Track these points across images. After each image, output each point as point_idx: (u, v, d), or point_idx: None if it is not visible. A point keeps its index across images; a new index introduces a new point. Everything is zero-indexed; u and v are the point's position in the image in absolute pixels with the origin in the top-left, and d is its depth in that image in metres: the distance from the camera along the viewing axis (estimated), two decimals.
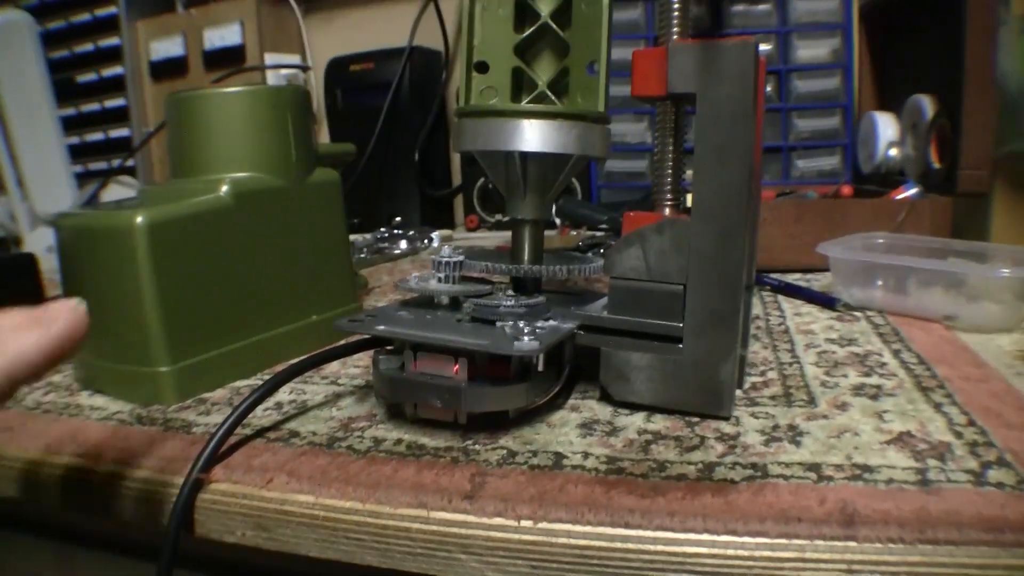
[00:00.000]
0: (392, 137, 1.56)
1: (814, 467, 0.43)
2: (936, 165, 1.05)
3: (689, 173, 0.49)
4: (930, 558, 0.36)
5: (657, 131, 0.54)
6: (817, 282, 0.90)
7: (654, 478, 0.43)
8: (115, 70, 1.84)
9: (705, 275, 0.49)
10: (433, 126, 1.60)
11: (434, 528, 0.42)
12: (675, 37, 0.51)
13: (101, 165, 1.85)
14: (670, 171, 0.53)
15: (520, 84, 0.60)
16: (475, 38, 0.59)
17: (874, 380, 0.57)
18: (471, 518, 0.41)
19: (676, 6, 0.51)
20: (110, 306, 0.60)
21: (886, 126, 1.21)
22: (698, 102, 0.47)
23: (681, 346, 0.50)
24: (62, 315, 0.39)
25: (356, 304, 0.77)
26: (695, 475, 0.43)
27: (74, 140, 1.87)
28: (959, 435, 0.46)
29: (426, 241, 1.33)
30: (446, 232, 1.46)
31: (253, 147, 0.66)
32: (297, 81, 1.76)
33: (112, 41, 1.83)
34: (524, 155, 0.55)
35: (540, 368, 0.50)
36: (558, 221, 1.28)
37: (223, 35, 1.74)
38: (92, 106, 1.88)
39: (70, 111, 1.87)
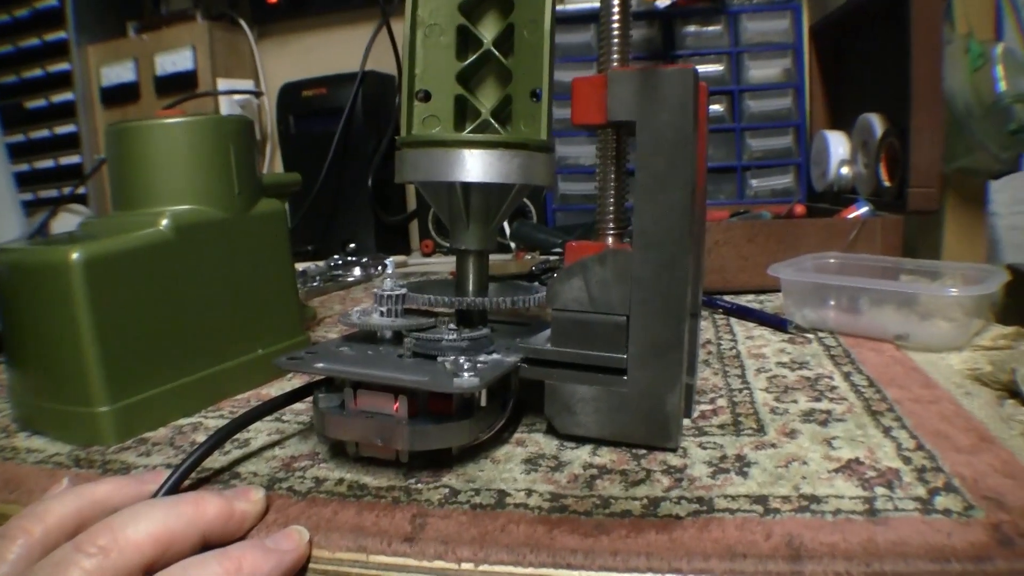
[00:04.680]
0: (346, 163, 1.55)
1: (760, 499, 0.43)
2: (886, 183, 1.06)
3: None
4: None
5: (599, 159, 0.53)
6: (771, 303, 0.90)
7: (598, 515, 0.42)
8: (65, 96, 1.82)
9: (648, 305, 0.48)
10: (387, 151, 1.59)
11: (373, 572, 0.40)
12: (615, 64, 0.50)
13: (52, 193, 1.83)
14: (612, 199, 0.52)
15: (464, 112, 0.59)
16: (416, 67, 0.58)
17: (824, 405, 0.57)
18: (411, 561, 0.40)
19: (616, 33, 0.51)
20: (47, 344, 0.58)
21: (838, 144, 1.22)
22: (638, 130, 0.47)
23: (626, 377, 0.49)
24: (291, 543, 0.41)
25: (304, 336, 0.76)
26: (640, 511, 0.42)
27: (23, 167, 1.84)
28: (908, 460, 0.46)
29: (380, 268, 1.32)
30: (400, 258, 1.45)
31: (194, 179, 0.65)
32: (250, 106, 1.75)
33: (62, 66, 1.81)
34: (466, 185, 0.55)
35: (483, 403, 0.49)
36: (513, 245, 1.28)
37: (175, 60, 1.73)
38: (42, 132, 1.86)
39: (19, 138, 1.86)
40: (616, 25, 0.51)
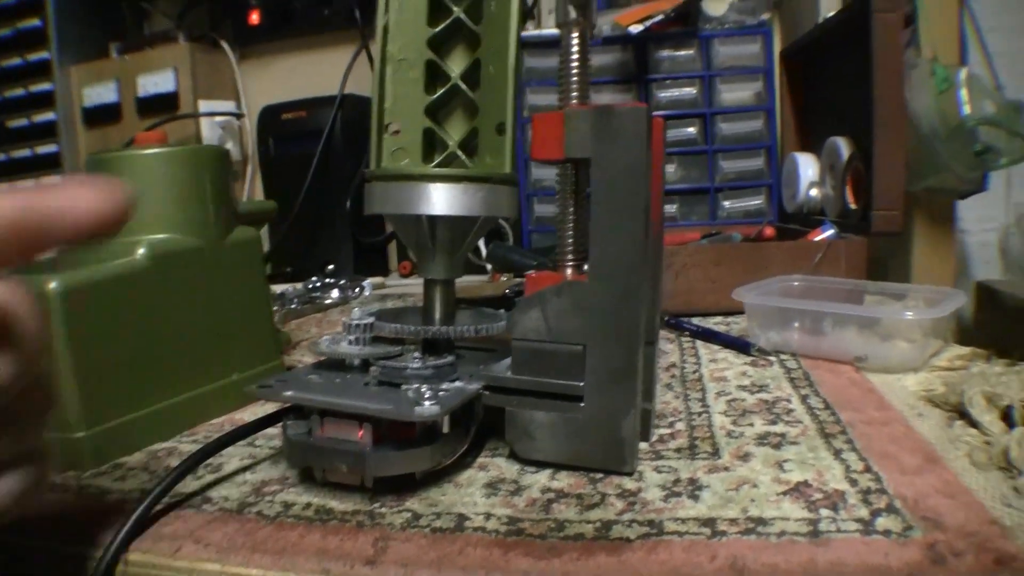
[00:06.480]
0: (324, 185, 1.57)
1: (709, 522, 0.44)
2: (852, 205, 1.08)
3: None
4: None
5: (558, 193, 0.55)
6: (737, 325, 0.92)
7: (552, 538, 0.44)
8: (47, 116, 1.83)
9: (604, 335, 0.50)
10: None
11: None
12: (574, 101, 0.52)
13: None
14: (571, 232, 0.54)
15: (432, 144, 0.61)
16: (386, 100, 0.60)
17: (779, 428, 0.58)
18: None
19: (575, 71, 0.53)
20: None
21: (807, 167, 1.25)
22: (592, 166, 0.49)
23: (583, 404, 0.51)
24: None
25: (278, 361, 0.77)
26: (592, 534, 0.44)
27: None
28: (854, 483, 0.48)
29: (358, 289, 1.33)
30: (379, 279, 1.46)
31: (171, 208, 0.66)
32: (231, 128, 1.76)
33: (44, 86, 1.82)
34: (432, 218, 0.56)
35: (446, 430, 0.51)
36: (489, 267, 1.29)
37: (157, 81, 1.74)
38: (23, 152, 1.87)
39: (0, 157, 1.85)
40: (575, 63, 0.53)
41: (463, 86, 0.59)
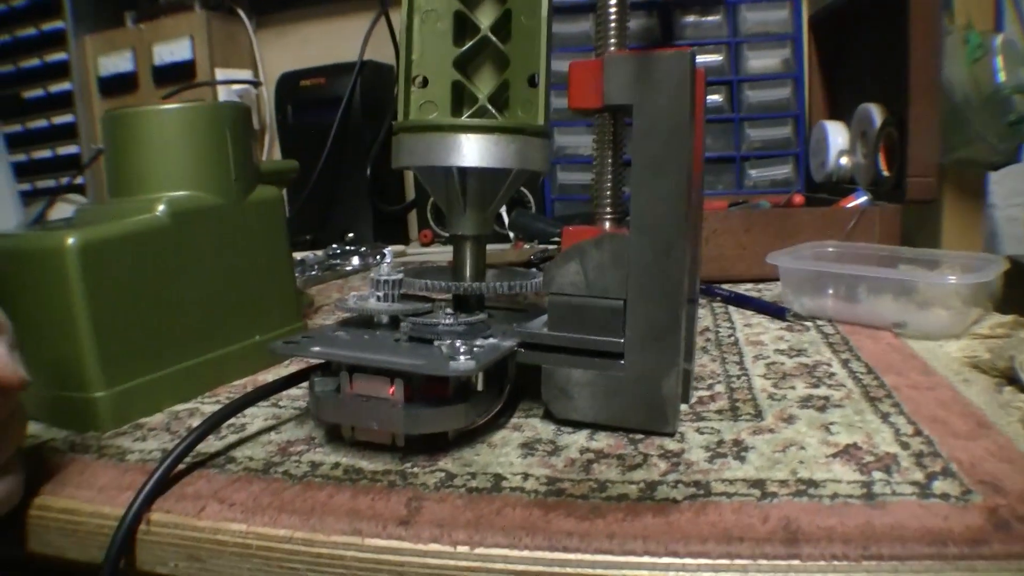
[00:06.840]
0: (344, 152, 1.55)
1: (758, 483, 0.42)
2: (885, 173, 1.05)
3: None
4: (874, 574, 0.35)
5: (595, 144, 0.53)
6: (769, 292, 0.90)
7: (594, 499, 0.42)
8: (63, 86, 1.81)
9: (645, 289, 0.48)
10: (385, 141, 1.58)
11: (368, 555, 0.40)
12: (612, 48, 0.50)
13: (49, 183, 1.82)
14: (609, 184, 0.52)
15: (461, 98, 0.59)
16: (413, 52, 0.58)
17: (822, 391, 0.56)
18: (406, 544, 0.40)
19: (613, 17, 0.51)
20: (43, 330, 0.58)
21: (836, 135, 1.22)
22: (634, 114, 0.47)
23: (623, 362, 0.49)
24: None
25: (300, 323, 0.75)
26: (636, 495, 0.42)
27: (21, 158, 1.84)
28: (906, 446, 0.46)
29: (378, 257, 1.32)
30: (399, 248, 1.45)
31: (191, 165, 0.64)
32: (249, 96, 1.75)
33: (60, 56, 1.80)
34: (463, 170, 0.55)
35: (480, 387, 0.49)
36: (512, 235, 1.28)
37: (173, 50, 1.72)
38: (39, 123, 1.85)
39: (16, 128, 1.85)
40: (614, 9, 0.51)
41: (493, 38, 0.57)
